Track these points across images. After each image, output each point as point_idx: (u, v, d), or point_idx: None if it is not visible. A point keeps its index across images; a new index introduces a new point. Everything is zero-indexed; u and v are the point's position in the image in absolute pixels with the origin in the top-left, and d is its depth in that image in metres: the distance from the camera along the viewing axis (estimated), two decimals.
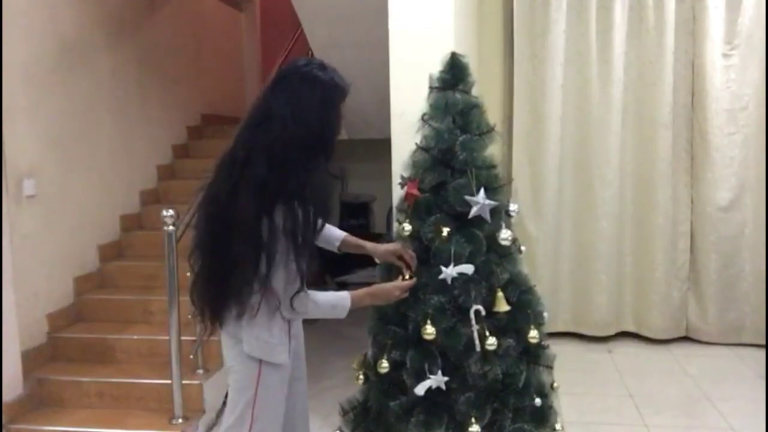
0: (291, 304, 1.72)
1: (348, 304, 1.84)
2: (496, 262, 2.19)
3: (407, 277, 2.07)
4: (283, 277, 1.69)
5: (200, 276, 1.82)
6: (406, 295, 2.03)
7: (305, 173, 1.67)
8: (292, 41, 4.91)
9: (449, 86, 2.29)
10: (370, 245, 2.19)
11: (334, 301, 1.84)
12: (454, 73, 2.30)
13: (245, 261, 1.67)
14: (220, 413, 3.24)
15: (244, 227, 1.66)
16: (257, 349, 1.80)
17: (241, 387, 1.84)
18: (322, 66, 1.77)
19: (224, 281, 1.74)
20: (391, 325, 2.23)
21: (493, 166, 2.27)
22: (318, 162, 1.72)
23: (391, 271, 2.25)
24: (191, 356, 3.36)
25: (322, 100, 1.71)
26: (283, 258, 1.67)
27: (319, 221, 1.73)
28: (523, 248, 2.39)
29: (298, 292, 1.71)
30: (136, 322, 3.83)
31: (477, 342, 2.10)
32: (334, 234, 2.18)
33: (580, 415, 3.31)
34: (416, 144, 2.32)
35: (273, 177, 1.65)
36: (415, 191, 2.23)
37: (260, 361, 1.81)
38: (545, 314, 2.29)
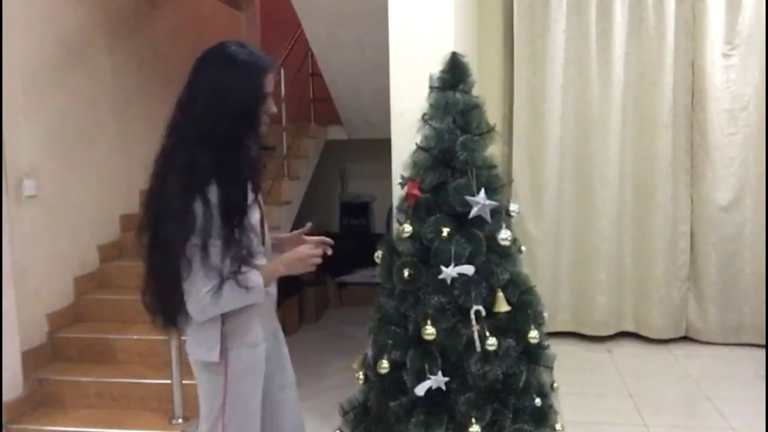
0: (238, 283, 1.63)
1: (260, 281, 1.71)
2: (497, 263, 2.19)
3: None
4: (221, 256, 1.62)
5: (147, 275, 1.75)
6: (319, 254, 1.84)
7: (237, 147, 1.67)
8: (292, 41, 4.91)
9: (449, 86, 2.30)
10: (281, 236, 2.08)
11: (245, 284, 1.67)
12: (454, 73, 2.30)
13: (174, 243, 1.62)
14: None
15: (172, 209, 1.62)
16: (190, 346, 1.77)
17: (208, 397, 1.79)
18: (241, 44, 1.76)
19: (163, 276, 1.69)
20: (391, 325, 2.23)
21: (494, 166, 2.27)
22: (247, 135, 1.71)
23: (391, 271, 2.26)
24: None
25: (245, 75, 1.71)
26: (217, 237, 1.61)
27: (251, 196, 1.70)
28: (523, 248, 2.39)
29: (238, 269, 1.64)
30: (136, 322, 3.82)
31: (477, 342, 2.11)
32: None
33: (580, 415, 3.31)
34: (416, 144, 2.32)
35: (203, 155, 1.63)
36: (415, 191, 2.23)
37: (225, 368, 1.74)
38: (545, 314, 2.30)
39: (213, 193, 1.61)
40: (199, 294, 1.64)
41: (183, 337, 1.86)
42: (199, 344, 1.75)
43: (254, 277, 1.70)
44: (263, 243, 1.83)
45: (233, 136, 1.67)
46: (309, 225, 2.06)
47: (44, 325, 3.66)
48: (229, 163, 1.65)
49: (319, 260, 1.83)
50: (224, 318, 1.73)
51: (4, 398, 3.17)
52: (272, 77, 1.77)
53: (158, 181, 1.69)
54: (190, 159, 1.63)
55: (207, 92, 1.68)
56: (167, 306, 1.74)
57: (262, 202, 1.83)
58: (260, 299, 1.74)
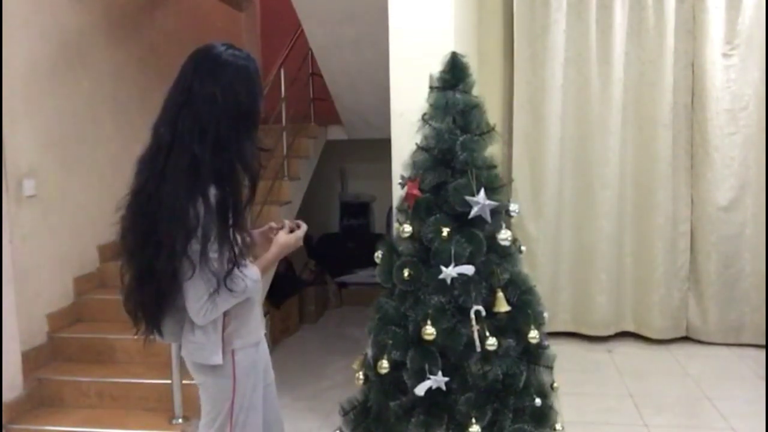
0: (227, 285, 1.64)
1: (257, 273, 1.75)
2: (497, 263, 2.20)
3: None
4: (218, 258, 1.62)
5: (132, 282, 1.73)
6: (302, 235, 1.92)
7: (239, 148, 1.68)
8: (292, 41, 4.90)
9: (449, 86, 2.30)
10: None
11: (247, 278, 1.71)
12: (454, 73, 2.31)
13: (176, 244, 1.60)
14: None
15: (173, 210, 1.60)
16: (191, 352, 1.78)
17: (216, 399, 1.80)
18: (237, 47, 1.78)
19: (157, 279, 1.66)
20: (391, 325, 2.23)
21: (493, 166, 2.28)
22: (247, 137, 1.72)
23: (391, 271, 2.26)
24: None
25: (247, 79, 1.73)
26: (218, 237, 1.61)
27: (248, 196, 1.72)
28: (523, 248, 2.39)
29: (231, 271, 1.64)
30: None
31: (477, 342, 2.11)
32: None
33: (580, 415, 3.31)
34: (416, 144, 2.32)
35: (207, 155, 1.63)
36: (415, 191, 2.23)
37: (233, 370, 1.76)
38: (545, 314, 2.30)
39: (212, 194, 1.62)
40: (201, 300, 1.65)
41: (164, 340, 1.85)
42: (203, 348, 1.76)
43: (251, 271, 1.72)
44: None
45: (235, 138, 1.68)
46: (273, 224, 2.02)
47: (44, 325, 3.66)
48: (230, 164, 1.66)
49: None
50: (227, 320, 1.75)
51: (4, 398, 3.17)
52: None
53: (155, 180, 1.66)
54: (191, 158, 1.63)
55: (211, 95, 1.67)
56: (156, 311, 1.74)
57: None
58: (256, 291, 1.77)
